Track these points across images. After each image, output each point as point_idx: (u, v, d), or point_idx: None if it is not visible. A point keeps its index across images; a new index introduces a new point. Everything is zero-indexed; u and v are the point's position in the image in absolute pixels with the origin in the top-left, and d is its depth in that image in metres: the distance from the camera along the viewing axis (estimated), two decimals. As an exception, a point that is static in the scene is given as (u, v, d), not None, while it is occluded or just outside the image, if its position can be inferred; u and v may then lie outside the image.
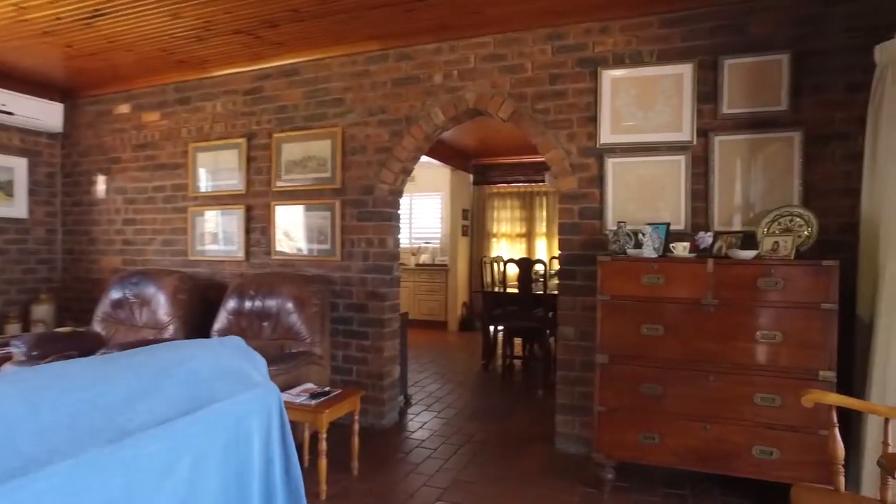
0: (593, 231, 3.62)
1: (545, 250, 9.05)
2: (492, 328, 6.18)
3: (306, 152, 4.34)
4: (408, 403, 4.77)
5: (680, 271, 2.90)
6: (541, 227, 9.13)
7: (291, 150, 4.39)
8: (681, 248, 3.03)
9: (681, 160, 3.44)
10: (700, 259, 2.92)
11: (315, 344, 3.81)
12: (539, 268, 5.89)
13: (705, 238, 3.13)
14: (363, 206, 4.17)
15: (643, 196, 3.51)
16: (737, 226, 3.33)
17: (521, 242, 9.23)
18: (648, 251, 3.08)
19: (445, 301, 8.99)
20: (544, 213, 9.08)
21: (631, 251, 3.16)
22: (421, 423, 4.27)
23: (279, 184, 4.43)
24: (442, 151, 8.26)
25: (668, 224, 3.31)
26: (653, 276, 2.93)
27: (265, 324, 3.93)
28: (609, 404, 3.01)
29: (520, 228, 9.24)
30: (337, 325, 4.22)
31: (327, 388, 3.29)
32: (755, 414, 2.77)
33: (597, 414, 3.04)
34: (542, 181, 9.05)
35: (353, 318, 4.19)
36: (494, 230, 9.40)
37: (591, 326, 3.58)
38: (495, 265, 7.11)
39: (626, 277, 2.98)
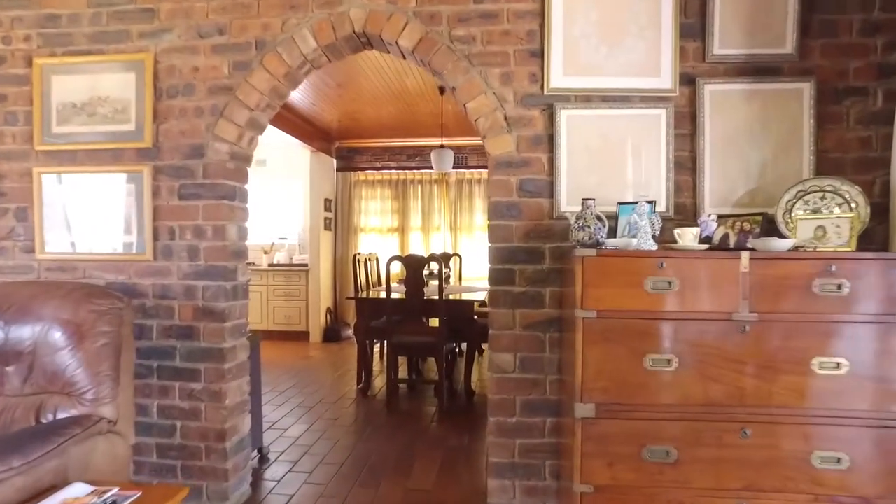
0: (540, 213, 2.54)
1: (443, 244, 7.95)
2: (371, 342, 4.93)
3: (94, 91, 2.75)
4: (264, 460, 3.37)
5: (700, 272, 1.90)
6: (430, 219, 8.01)
7: (69, 87, 2.77)
8: (689, 237, 2.04)
9: (660, 115, 2.48)
10: (729, 252, 1.94)
11: (103, 399, 2.29)
12: (433, 266, 4.76)
13: (709, 224, 2.18)
14: (189, 175, 2.71)
15: (608, 164, 2.50)
16: (728, 207, 2.44)
17: (393, 238, 8.03)
18: (645, 241, 2.05)
19: (306, 308, 7.53)
20: (439, 204, 7.97)
21: (614, 242, 2.11)
22: (286, 497, 2.91)
23: (48, 141, 2.78)
24: (300, 128, 6.80)
25: (653, 203, 2.32)
26: (661, 280, 1.90)
27: (10, 368, 2.33)
28: (597, 480, 1.93)
29: (392, 222, 8.04)
30: (148, 362, 2.72)
31: (116, 492, 1.83)
32: (814, 481, 1.85)
33: (578, 498, 1.94)
34: (417, 168, 7.94)
35: (174, 349, 2.72)
36: (363, 224, 8.11)
37: (537, 351, 2.51)
38: (369, 264, 5.86)
39: (620, 282, 1.92)
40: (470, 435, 3.86)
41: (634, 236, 2.14)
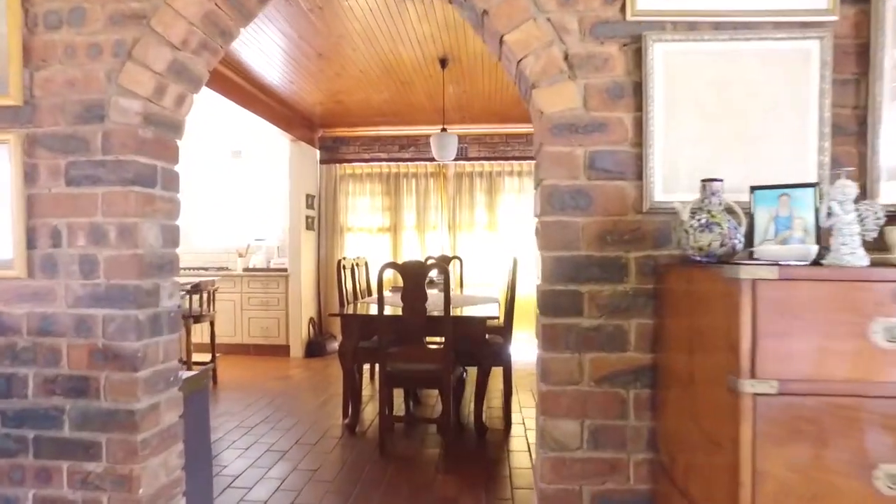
0: (621, 205, 1.65)
1: (441, 246, 7.04)
2: (359, 367, 4.02)
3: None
4: (211, 546, 2.45)
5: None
6: (426, 217, 7.10)
7: None
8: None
9: (808, 52, 1.60)
10: None
11: None
12: (433, 275, 3.86)
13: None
14: (81, 149, 1.79)
15: (727, 128, 1.61)
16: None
17: (384, 238, 7.12)
18: (852, 249, 1.17)
19: (286, 318, 6.60)
20: (436, 200, 7.06)
21: (774, 251, 1.23)
22: None
23: None
24: (278, 113, 5.88)
25: (816, 186, 1.44)
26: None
27: None
28: None
29: (383, 220, 7.12)
30: (18, 432, 1.80)
31: None
32: None
33: None
34: (412, 160, 7.04)
35: (61, 411, 1.80)
36: (350, 223, 7.19)
37: (616, 417, 1.62)
38: (357, 270, 4.94)
39: (823, 329, 1.03)
40: (487, 491, 2.98)
41: (802, 241, 1.26)
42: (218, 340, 6.65)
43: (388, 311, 3.65)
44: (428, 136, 7.10)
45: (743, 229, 1.37)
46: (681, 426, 1.39)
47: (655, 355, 1.60)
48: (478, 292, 5.50)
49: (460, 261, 6.24)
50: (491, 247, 6.92)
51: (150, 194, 1.83)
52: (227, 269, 7.22)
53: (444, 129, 4.49)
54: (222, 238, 7.39)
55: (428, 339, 3.70)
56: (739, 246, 1.35)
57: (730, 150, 1.59)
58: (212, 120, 6.71)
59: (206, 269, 7.10)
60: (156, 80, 1.77)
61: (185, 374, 2.10)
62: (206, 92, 4.96)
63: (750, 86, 1.60)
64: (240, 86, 5.16)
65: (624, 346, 1.63)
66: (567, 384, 1.65)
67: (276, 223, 7.20)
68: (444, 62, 4.45)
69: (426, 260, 6.25)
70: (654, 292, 1.62)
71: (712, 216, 1.34)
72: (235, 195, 7.35)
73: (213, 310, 5.25)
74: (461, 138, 6.91)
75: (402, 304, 3.40)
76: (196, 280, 5.01)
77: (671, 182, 1.60)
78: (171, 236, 1.97)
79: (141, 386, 1.79)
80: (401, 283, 3.63)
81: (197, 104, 2.07)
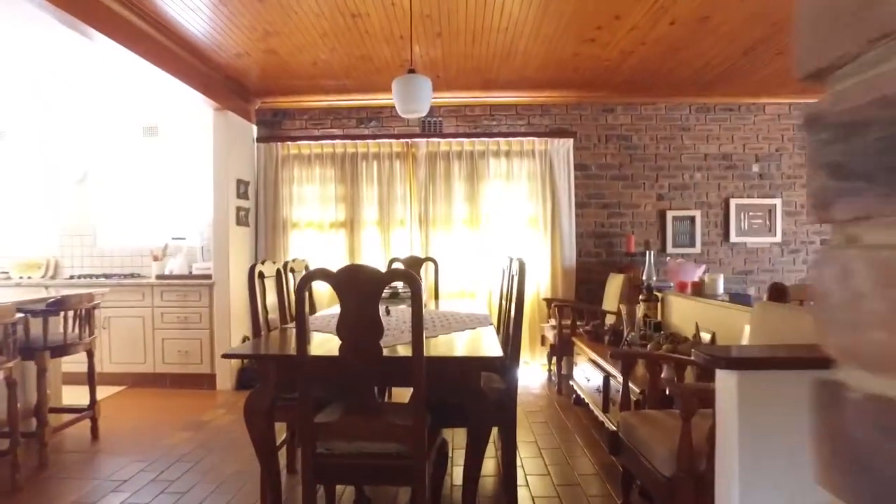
0: None
1: (410, 245, 5.62)
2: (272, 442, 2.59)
3: None
4: None
5: None
6: (391, 209, 5.67)
7: None
8: None
9: None
10: None
11: None
12: (398, 287, 2.47)
13: None
14: None
15: None
16: None
17: (338, 235, 5.68)
18: None
19: (211, 339, 5.11)
20: (403, 188, 5.64)
21: None
22: None
23: None
24: (196, 71, 4.40)
25: None
26: None
27: None
28: None
29: (337, 213, 5.69)
30: None
31: None
32: None
33: None
34: (373, 137, 5.61)
35: None
36: (295, 217, 5.73)
37: None
38: (293, 278, 3.50)
39: None
40: None
41: None
42: (123, 369, 5.15)
43: (319, 340, 2.23)
44: (392, 107, 5.70)
45: None
46: None
47: None
48: (457, 305, 4.12)
49: (435, 264, 4.86)
50: (472, 246, 5.55)
51: None
52: (138, 275, 5.70)
53: (412, 71, 3.08)
54: (135, 237, 5.86)
55: (382, 388, 2.31)
56: None
57: None
58: (117, 86, 5.19)
59: (108, 276, 5.57)
60: None
61: None
62: (106, 45, 3.51)
63: None
64: (147, 34, 3.71)
65: None
66: None
67: (201, 218, 5.70)
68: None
69: (390, 263, 4.84)
70: None
71: None
72: (150, 182, 5.83)
73: (91, 334, 3.75)
74: (432, 110, 5.53)
75: (341, 333, 1.99)
76: (54, 296, 3.51)
77: None
78: None
79: None
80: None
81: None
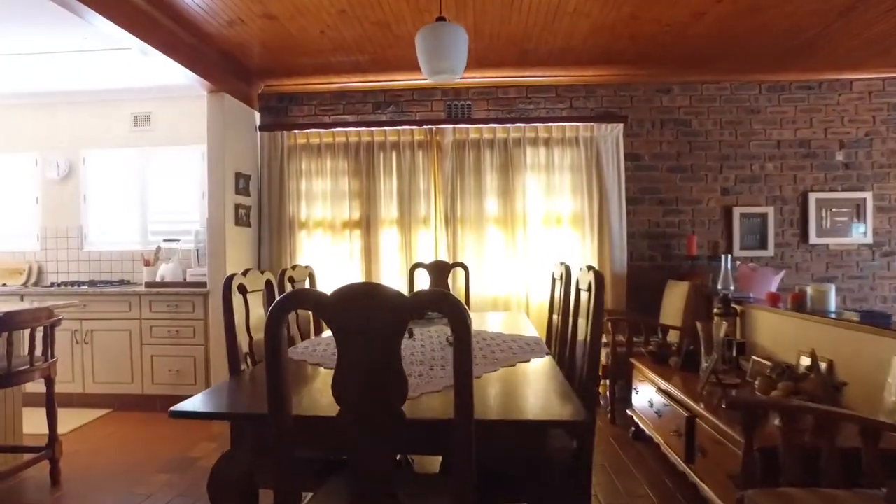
0: None
1: (435, 248, 4.89)
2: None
3: None
4: None
5: None
6: (413, 206, 4.95)
7: None
8: None
9: None
10: None
11: None
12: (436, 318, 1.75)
13: None
14: None
15: None
16: None
17: (353, 238, 4.96)
18: None
19: (206, 356, 4.44)
20: (426, 182, 4.91)
21: None
22: None
23: None
24: (187, 46, 3.72)
25: None
26: None
27: None
28: None
29: (351, 212, 4.97)
30: None
31: None
32: None
33: None
34: (391, 124, 4.89)
35: None
36: (303, 216, 5.03)
37: None
38: (288, 285, 2.78)
39: None
40: None
41: None
42: (108, 390, 4.50)
43: (320, 382, 1.51)
44: (413, 90, 4.98)
45: None
46: None
47: None
48: (494, 321, 3.38)
49: (465, 270, 4.12)
50: (506, 249, 4.80)
51: None
52: (128, 282, 5.06)
53: (441, 19, 2.34)
54: (125, 238, 5.23)
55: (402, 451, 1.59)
56: None
57: None
58: (104, 72, 4.54)
59: (94, 283, 4.93)
60: None
61: None
62: (91, 23, 2.86)
63: None
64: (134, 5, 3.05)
65: None
66: None
67: (197, 217, 5.05)
68: None
69: (412, 270, 4.11)
70: None
71: None
72: (142, 177, 5.19)
73: (52, 357, 3.08)
74: (459, 92, 4.81)
75: (337, 379, 1.26)
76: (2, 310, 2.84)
77: None
78: None
79: None
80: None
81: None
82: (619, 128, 4.75)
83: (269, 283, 2.28)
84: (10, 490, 3.05)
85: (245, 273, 2.10)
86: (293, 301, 1.17)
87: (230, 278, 1.99)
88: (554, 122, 4.80)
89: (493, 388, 1.75)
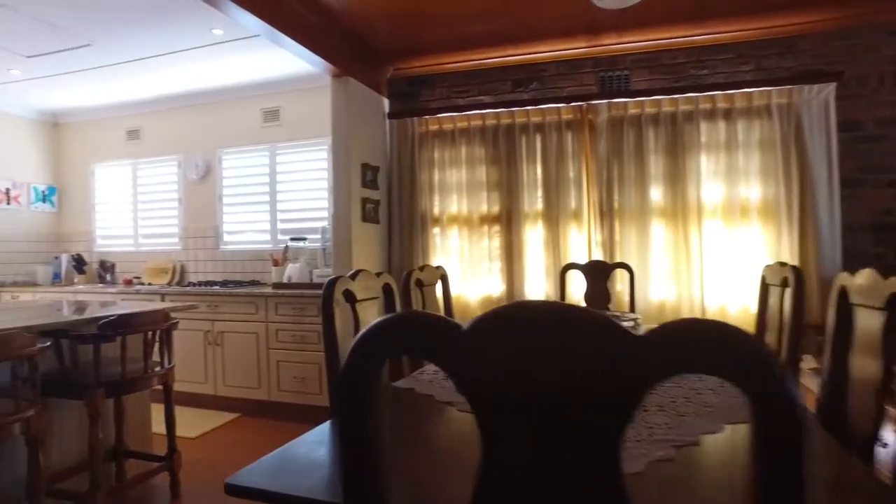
0: None
1: (588, 246, 4.20)
2: None
3: None
4: None
5: None
6: (561, 197, 4.28)
7: None
8: None
9: None
10: None
11: None
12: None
13: None
14: None
15: None
16: None
17: (492, 234, 4.36)
18: None
19: (329, 363, 4.07)
20: (576, 168, 4.23)
21: None
22: None
23: None
24: (310, 25, 3.37)
25: None
26: None
27: None
28: None
29: (490, 205, 4.37)
30: None
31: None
32: None
33: None
34: (533, 103, 4.22)
35: None
36: (437, 210, 4.52)
37: None
38: (421, 296, 2.24)
39: None
40: None
41: None
42: (237, 394, 4.31)
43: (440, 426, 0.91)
44: (559, 62, 4.27)
45: None
46: None
47: None
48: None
49: (630, 272, 3.34)
50: (676, 246, 3.93)
51: None
52: (258, 282, 4.90)
53: None
54: (258, 238, 5.10)
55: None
56: None
57: None
58: (234, 67, 4.40)
59: (227, 283, 4.82)
60: None
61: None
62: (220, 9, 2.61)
63: None
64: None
65: None
66: None
67: (323, 213, 4.76)
68: None
69: (563, 271, 3.42)
70: None
71: None
72: (272, 174, 5.02)
73: (169, 362, 2.81)
74: (615, 60, 4.04)
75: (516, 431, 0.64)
76: (117, 312, 2.59)
77: None
78: None
79: None
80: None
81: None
82: (829, 88, 3.68)
83: (387, 288, 1.73)
84: (136, 498, 2.88)
85: (354, 276, 1.56)
86: (387, 337, 0.56)
87: (333, 282, 1.45)
88: (736, 88, 3.84)
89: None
